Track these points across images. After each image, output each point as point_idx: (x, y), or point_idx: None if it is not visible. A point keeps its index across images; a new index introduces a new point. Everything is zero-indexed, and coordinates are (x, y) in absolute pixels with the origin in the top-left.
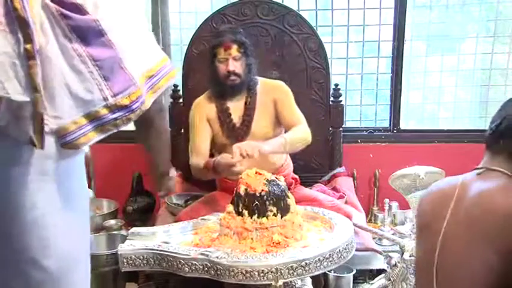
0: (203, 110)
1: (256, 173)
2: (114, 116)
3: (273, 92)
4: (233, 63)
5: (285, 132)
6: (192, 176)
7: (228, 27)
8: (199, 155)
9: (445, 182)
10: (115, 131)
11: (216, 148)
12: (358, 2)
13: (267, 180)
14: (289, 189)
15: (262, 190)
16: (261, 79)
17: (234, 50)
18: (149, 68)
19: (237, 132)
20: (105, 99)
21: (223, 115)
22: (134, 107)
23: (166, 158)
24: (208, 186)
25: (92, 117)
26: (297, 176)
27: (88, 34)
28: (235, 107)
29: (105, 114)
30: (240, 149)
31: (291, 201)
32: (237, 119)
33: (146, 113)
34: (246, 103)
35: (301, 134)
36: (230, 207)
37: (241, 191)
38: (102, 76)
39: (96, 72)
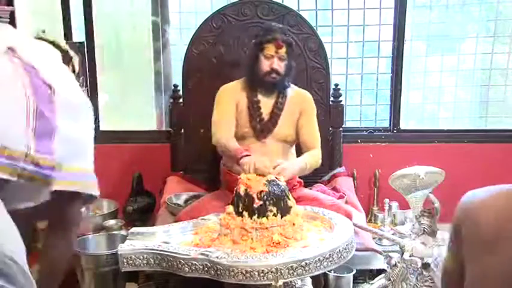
0: (234, 94)
1: None
2: (25, 166)
3: (302, 103)
4: (278, 62)
5: (299, 145)
6: (218, 152)
7: (279, 25)
8: (226, 134)
9: (500, 192)
10: (14, 179)
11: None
12: (358, 2)
13: (267, 180)
14: (291, 190)
15: (262, 190)
16: (292, 85)
17: (283, 50)
18: (74, 165)
19: (263, 126)
20: (28, 147)
21: (253, 106)
22: (44, 172)
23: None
24: (209, 186)
25: (7, 154)
26: (301, 180)
27: (42, 96)
28: (265, 103)
29: (20, 159)
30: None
31: (292, 203)
32: (265, 114)
33: (60, 216)
34: (276, 102)
35: (316, 159)
36: (230, 208)
37: (241, 192)
38: (34, 130)
39: (33, 123)
